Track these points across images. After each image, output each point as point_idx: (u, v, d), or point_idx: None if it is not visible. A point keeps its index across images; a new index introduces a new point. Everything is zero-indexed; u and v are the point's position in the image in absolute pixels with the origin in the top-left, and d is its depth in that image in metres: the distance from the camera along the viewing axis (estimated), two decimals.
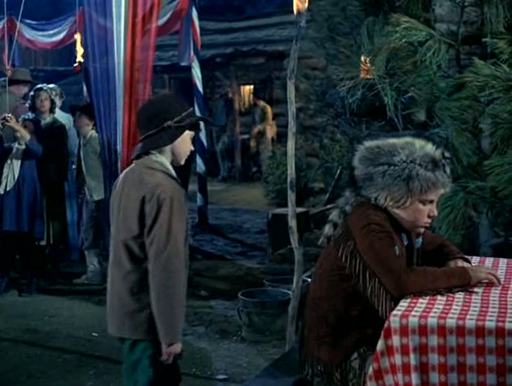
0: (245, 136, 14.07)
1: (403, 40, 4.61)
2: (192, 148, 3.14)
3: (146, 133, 3.00)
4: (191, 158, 8.93)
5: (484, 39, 4.71)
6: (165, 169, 2.99)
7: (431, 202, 2.73)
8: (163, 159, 3.01)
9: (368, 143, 2.80)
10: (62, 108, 7.50)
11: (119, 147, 5.75)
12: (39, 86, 6.98)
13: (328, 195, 8.99)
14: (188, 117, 3.04)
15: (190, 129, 3.05)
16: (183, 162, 3.12)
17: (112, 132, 5.78)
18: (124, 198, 2.97)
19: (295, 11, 4.36)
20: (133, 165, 3.10)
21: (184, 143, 3.05)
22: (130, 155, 5.73)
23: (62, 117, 7.17)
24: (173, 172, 3.03)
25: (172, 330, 2.86)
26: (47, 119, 6.79)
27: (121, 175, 3.13)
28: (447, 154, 2.75)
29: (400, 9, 5.01)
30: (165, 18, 8.06)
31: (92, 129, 6.40)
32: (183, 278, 2.89)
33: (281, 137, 12.45)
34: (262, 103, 13.79)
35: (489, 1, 4.59)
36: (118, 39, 5.65)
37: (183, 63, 9.10)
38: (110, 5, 5.66)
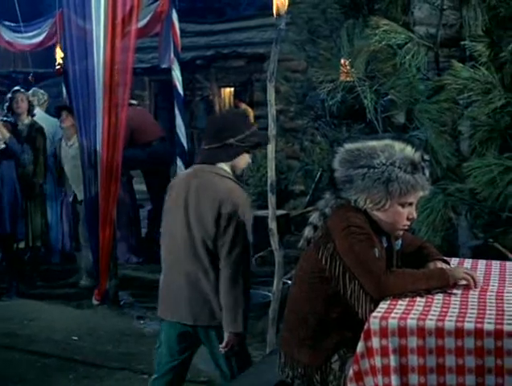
0: None
1: (383, 43, 4.64)
2: (250, 161, 3.49)
3: (210, 145, 3.35)
4: (170, 161, 8.91)
5: (462, 42, 4.74)
6: (231, 176, 3.36)
7: (411, 204, 2.74)
8: (227, 168, 3.36)
9: (348, 145, 2.80)
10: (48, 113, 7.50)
11: (99, 149, 5.72)
12: (16, 88, 6.95)
13: (308, 197, 9.00)
14: (251, 137, 3.36)
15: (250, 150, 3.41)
16: (238, 173, 3.46)
17: (92, 134, 5.75)
18: (194, 201, 3.31)
19: (274, 14, 4.37)
20: (191, 170, 3.49)
21: (243, 160, 3.40)
22: (109, 157, 5.72)
23: (49, 121, 7.14)
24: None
25: (235, 321, 3.26)
26: (25, 121, 6.75)
27: (179, 180, 3.52)
28: (426, 157, 2.76)
29: (379, 12, 5.04)
30: (145, 20, 8.04)
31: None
32: (249, 274, 3.36)
33: None
34: (243, 105, 13.78)
35: (467, 4, 4.63)
36: (98, 40, 5.63)
37: (163, 66, 9.08)
38: (90, 7, 5.63)
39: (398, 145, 2.72)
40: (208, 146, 3.35)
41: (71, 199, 6.61)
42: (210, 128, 3.47)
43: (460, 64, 4.56)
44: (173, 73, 8.93)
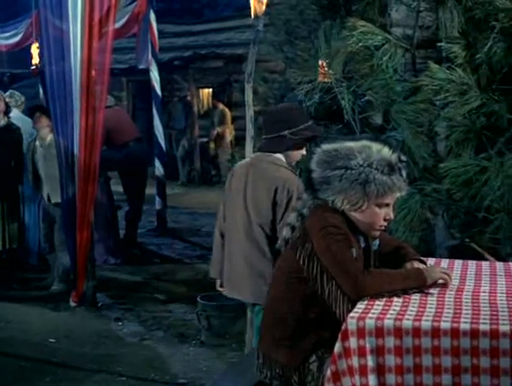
0: (205, 139, 14.04)
1: (360, 44, 4.65)
2: (305, 153, 3.67)
3: (267, 135, 3.66)
4: (147, 162, 8.89)
5: (439, 44, 4.77)
6: (286, 165, 3.60)
7: (388, 205, 2.75)
8: (282, 157, 3.61)
9: (325, 146, 2.81)
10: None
11: (76, 150, 5.68)
12: None
13: None
14: (305, 130, 3.58)
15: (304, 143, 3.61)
16: (293, 164, 3.69)
17: (69, 135, 5.72)
18: (251, 188, 3.60)
19: (252, 15, 4.37)
20: (250, 159, 3.85)
21: (296, 152, 3.61)
22: (87, 158, 5.68)
23: (26, 122, 7.08)
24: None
25: None
26: (1, 122, 6.70)
27: (239, 167, 3.77)
28: (403, 158, 2.77)
29: (357, 13, 5.06)
30: (122, 21, 8.02)
31: (52, 132, 6.33)
32: None
33: (240, 140, 12.45)
34: (221, 106, 13.78)
35: (443, 6, 4.66)
36: (75, 41, 5.60)
37: (141, 66, 9.07)
38: (66, 7, 5.60)
39: (375, 147, 2.74)
40: (265, 137, 3.65)
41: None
42: (268, 119, 3.74)
43: (437, 66, 4.58)
44: (151, 74, 8.93)
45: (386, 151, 2.73)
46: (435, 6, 4.78)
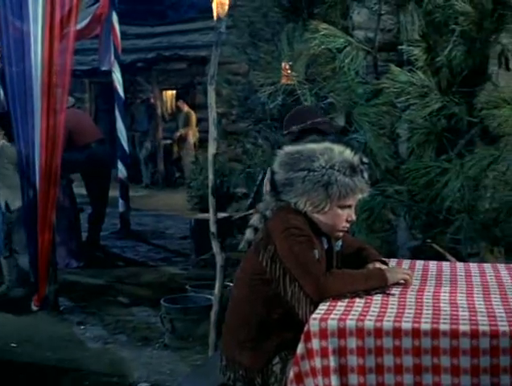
0: (168, 141, 13.99)
1: (322, 47, 4.68)
2: None
3: (282, 132, 4.00)
4: (110, 164, 8.80)
5: (400, 47, 4.82)
6: None
7: (350, 207, 2.77)
8: None
9: (288, 148, 2.83)
10: None
11: (37, 153, 5.62)
12: None
13: (250, 200, 9.02)
14: (313, 125, 3.75)
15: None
16: None
17: (29, 137, 5.64)
18: None
19: (215, 17, 4.37)
20: None
21: None
22: (48, 160, 5.62)
23: None
24: None
25: None
26: None
27: None
28: (365, 160, 2.79)
29: (319, 16, 5.09)
30: (84, 22, 7.93)
31: (3, 138, 6.20)
32: None
33: (204, 143, 12.43)
34: (186, 108, 13.75)
35: (404, 9, 4.71)
36: (36, 42, 5.53)
37: (103, 68, 8.99)
38: (27, 7, 5.53)
39: (337, 149, 2.76)
40: (282, 134, 4.01)
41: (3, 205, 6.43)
42: (285, 118, 4.07)
43: (398, 68, 4.63)
44: (113, 75, 8.86)
45: (348, 153, 2.75)
46: (397, 9, 4.84)
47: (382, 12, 4.91)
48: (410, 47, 4.67)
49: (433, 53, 4.69)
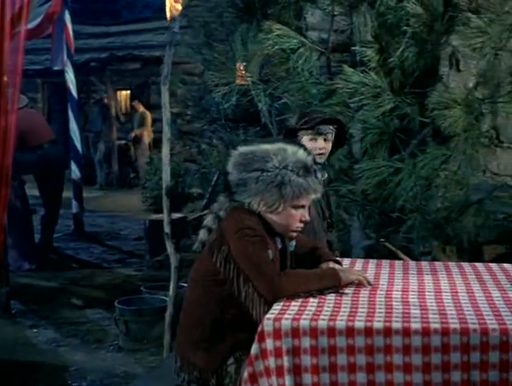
0: (123, 142, 13.88)
1: (276, 47, 4.70)
2: (317, 146, 3.58)
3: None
4: (63, 165, 8.66)
5: (353, 48, 4.86)
6: None
7: (303, 207, 2.78)
8: None
9: (242, 149, 2.82)
10: None
11: None
12: None
13: (205, 200, 9.00)
14: (309, 120, 3.57)
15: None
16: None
17: None
18: None
19: (168, 17, 4.35)
20: None
21: (304, 142, 3.49)
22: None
23: None
24: None
25: None
26: None
27: None
28: (318, 160, 2.81)
29: (273, 16, 5.09)
30: (36, 21, 7.81)
31: None
32: None
33: (159, 143, 12.36)
34: (141, 108, 13.66)
35: (357, 10, 4.75)
36: None
37: (56, 68, 8.86)
38: None
39: (290, 149, 2.76)
40: None
41: None
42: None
43: (351, 69, 4.67)
44: (66, 75, 8.75)
45: (301, 153, 2.76)
46: (350, 10, 4.88)
47: (336, 13, 4.94)
48: (363, 48, 4.71)
49: (385, 54, 4.74)
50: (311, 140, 3.60)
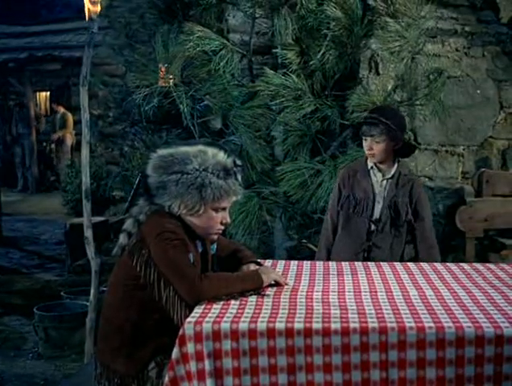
0: (43, 144, 13.59)
1: (197, 49, 4.68)
2: (365, 147, 3.74)
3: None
4: None
5: (274, 50, 4.88)
6: None
7: (224, 209, 2.77)
8: None
9: (161, 151, 2.79)
10: None
11: None
12: None
13: (127, 203, 8.89)
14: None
15: None
16: None
17: None
18: None
19: (87, 17, 4.27)
20: None
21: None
22: None
23: None
24: None
25: None
26: None
27: None
28: (238, 162, 2.80)
29: (194, 18, 5.07)
30: None
31: None
32: None
33: (80, 145, 12.16)
34: (62, 110, 13.40)
35: (278, 13, 4.77)
36: None
37: None
38: None
39: (210, 151, 2.74)
40: None
41: None
42: None
43: (272, 71, 4.69)
44: None
45: (221, 155, 2.75)
46: (271, 13, 4.89)
47: (257, 16, 4.95)
48: (284, 51, 4.74)
49: (306, 57, 4.79)
50: (364, 140, 3.77)
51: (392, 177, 3.80)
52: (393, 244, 3.81)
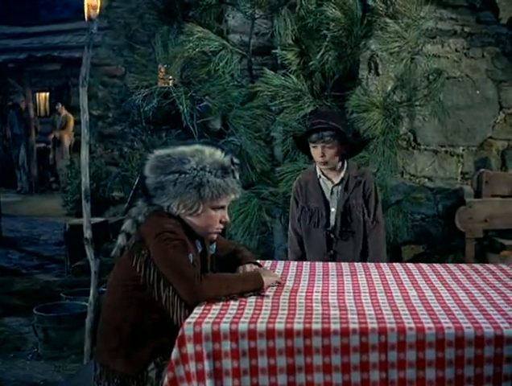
0: (43, 144, 13.59)
1: (197, 49, 4.68)
2: (316, 154, 3.71)
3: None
4: None
5: (274, 51, 4.88)
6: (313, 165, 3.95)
7: (223, 207, 2.77)
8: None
9: (158, 152, 2.79)
10: None
11: None
12: None
13: (126, 204, 8.89)
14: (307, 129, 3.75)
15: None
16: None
17: None
18: None
19: (86, 18, 4.27)
20: None
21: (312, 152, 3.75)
22: None
23: None
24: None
25: None
26: None
27: None
28: (236, 161, 2.80)
29: (194, 19, 5.07)
30: None
31: None
32: None
33: (80, 146, 12.16)
34: (64, 111, 13.41)
35: (278, 14, 4.77)
36: None
37: None
38: None
39: (208, 150, 2.74)
40: None
41: None
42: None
43: (272, 72, 4.69)
44: None
45: (218, 154, 2.75)
46: (270, 13, 4.89)
47: (256, 16, 4.95)
48: (284, 52, 4.74)
49: (306, 57, 4.79)
50: (312, 147, 3.71)
51: (341, 181, 3.78)
52: (355, 248, 3.80)
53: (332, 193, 3.78)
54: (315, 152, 3.70)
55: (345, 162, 3.79)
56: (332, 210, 3.77)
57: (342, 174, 3.77)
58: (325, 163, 3.71)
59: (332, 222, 3.77)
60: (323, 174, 3.79)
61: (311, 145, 3.72)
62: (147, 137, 5.74)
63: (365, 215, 3.76)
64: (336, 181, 3.78)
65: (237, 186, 2.78)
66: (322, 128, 3.65)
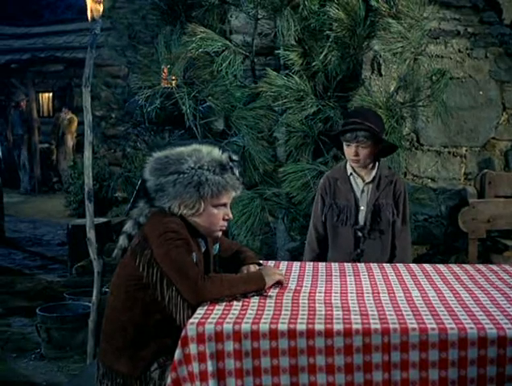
0: (46, 145, 13.60)
1: (200, 50, 4.68)
2: (349, 153, 3.69)
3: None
4: None
5: (277, 51, 4.88)
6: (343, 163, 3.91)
7: (225, 205, 2.77)
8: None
9: (156, 154, 2.79)
10: None
11: None
12: None
13: (129, 204, 8.90)
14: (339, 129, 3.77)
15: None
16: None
17: None
18: None
19: (89, 18, 4.27)
20: None
21: (346, 152, 3.73)
22: None
23: None
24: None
25: None
26: None
27: None
28: (234, 157, 2.80)
29: (197, 19, 5.07)
30: None
31: None
32: None
33: (83, 146, 12.17)
34: (69, 113, 13.44)
35: (280, 14, 4.77)
36: None
37: None
38: None
39: (205, 149, 2.75)
40: None
41: None
42: None
43: (275, 73, 4.69)
44: None
45: (216, 152, 2.75)
46: (273, 14, 4.89)
47: (259, 17, 4.95)
48: (287, 52, 4.74)
49: (309, 58, 4.79)
50: (346, 146, 3.68)
51: (373, 180, 3.74)
52: (382, 248, 3.77)
53: (362, 191, 3.75)
54: (349, 151, 3.67)
55: (377, 161, 3.76)
56: (362, 208, 3.74)
57: (374, 173, 3.74)
58: (357, 161, 3.69)
59: (361, 220, 3.73)
60: (354, 171, 3.75)
61: (344, 143, 3.68)
62: (150, 137, 5.74)
63: (394, 215, 3.73)
64: (368, 179, 3.74)
65: (237, 183, 2.77)
66: (356, 128, 3.61)
